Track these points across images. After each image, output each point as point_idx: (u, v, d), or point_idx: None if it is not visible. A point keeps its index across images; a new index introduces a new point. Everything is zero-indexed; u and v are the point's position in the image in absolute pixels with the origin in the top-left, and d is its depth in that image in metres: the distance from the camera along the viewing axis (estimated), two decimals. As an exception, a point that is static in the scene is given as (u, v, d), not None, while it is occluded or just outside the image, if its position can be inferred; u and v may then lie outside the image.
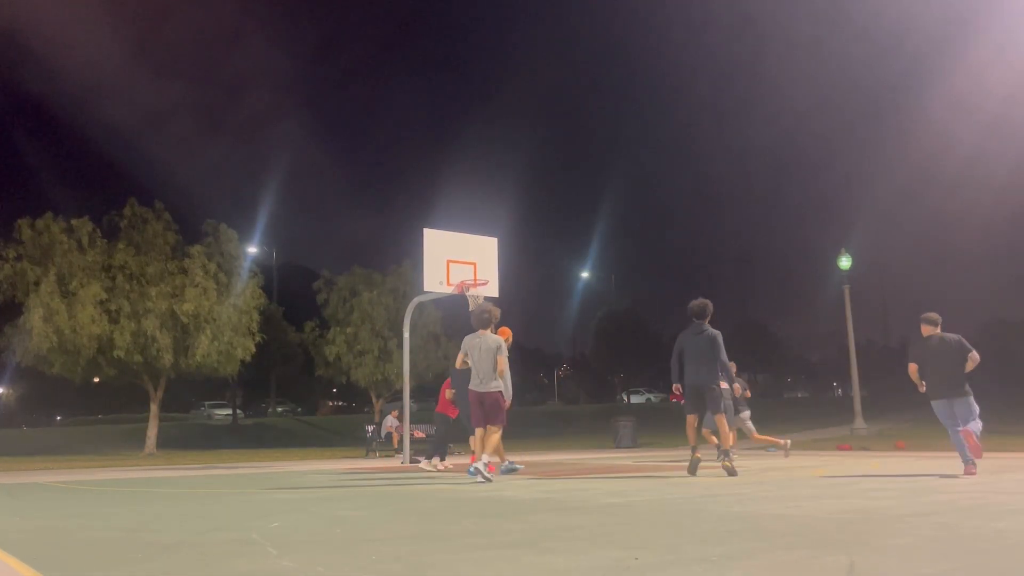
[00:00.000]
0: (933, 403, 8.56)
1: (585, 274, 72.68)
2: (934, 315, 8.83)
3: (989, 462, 10.66)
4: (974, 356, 8.37)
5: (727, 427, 8.93)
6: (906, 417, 32.49)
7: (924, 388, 8.57)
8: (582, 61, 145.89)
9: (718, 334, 8.81)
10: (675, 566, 3.15)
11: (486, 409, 8.46)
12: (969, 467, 8.12)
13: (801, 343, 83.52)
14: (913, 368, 8.57)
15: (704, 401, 8.79)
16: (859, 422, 22.67)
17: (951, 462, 10.86)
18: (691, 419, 8.86)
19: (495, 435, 8.48)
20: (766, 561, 3.22)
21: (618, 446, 20.54)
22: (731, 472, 8.37)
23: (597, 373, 69.95)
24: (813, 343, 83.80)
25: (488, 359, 8.43)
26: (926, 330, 8.73)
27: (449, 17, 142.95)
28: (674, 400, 11.49)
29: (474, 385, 8.48)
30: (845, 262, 23.25)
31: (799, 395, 77.96)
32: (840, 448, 16.16)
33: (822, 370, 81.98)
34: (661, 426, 29.93)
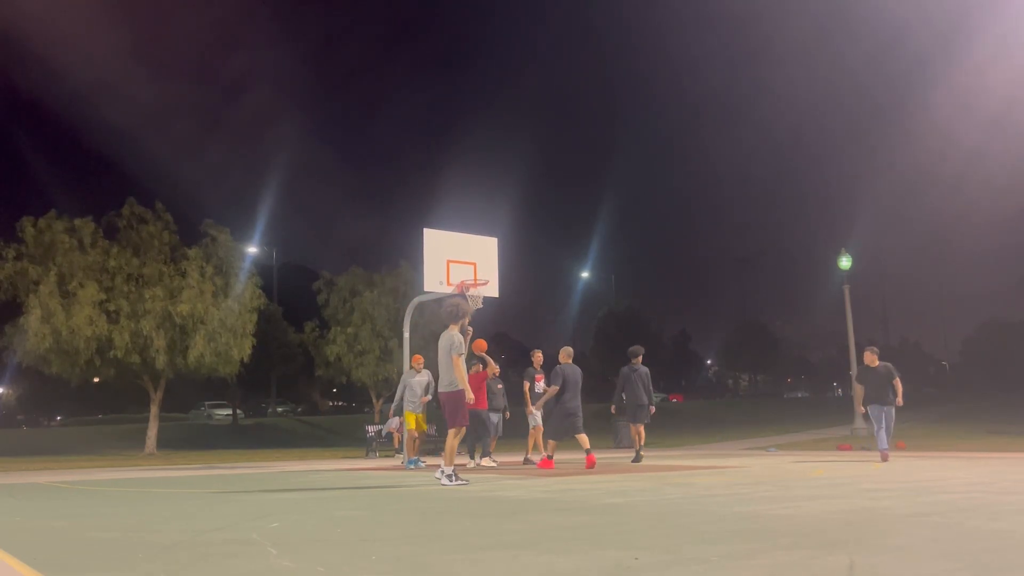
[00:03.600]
0: (871, 407, 11.67)
1: (585, 274, 72.67)
2: (877, 348, 12.21)
3: (989, 462, 10.66)
4: (898, 383, 11.66)
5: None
6: (906, 417, 32.46)
7: (862, 404, 12.04)
8: (583, 60, 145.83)
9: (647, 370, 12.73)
10: (675, 566, 3.15)
11: (445, 410, 8.10)
12: (885, 454, 11.37)
13: (801, 343, 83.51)
14: (860, 389, 11.75)
15: (642, 414, 12.47)
16: (859, 422, 22.59)
17: (951, 462, 10.87)
18: (637, 427, 12.55)
19: (453, 439, 8.04)
20: (766, 561, 3.22)
21: (618, 446, 20.53)
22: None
23: (597, 373, 69.96)
24: (813, 343, 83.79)
25: (444, 358, 8.02)
26: (871, 358, 11.84)
27: (449, 16, 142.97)
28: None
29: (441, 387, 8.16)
30: (845, 262, 23.22)
31: (799, 395, 77.96)
32: (840, 448, 16.15)
33: (822, 370, 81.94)
34: (661, 426, 29.92)
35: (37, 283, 23.10)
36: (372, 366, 31.58)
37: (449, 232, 13.38)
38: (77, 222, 24.41)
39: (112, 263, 24.33)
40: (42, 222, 23.95)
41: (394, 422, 21.02)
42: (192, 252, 25.50)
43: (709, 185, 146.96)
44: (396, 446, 19.92)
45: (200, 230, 26.80)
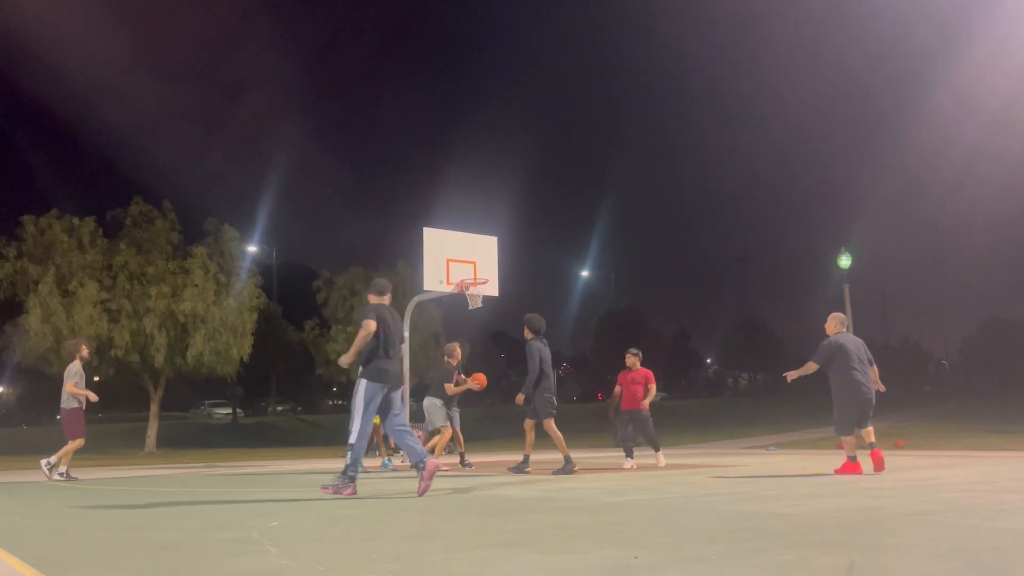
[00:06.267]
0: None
1: (585, 273, 72.76)
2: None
3: (988, 461, 10.65)
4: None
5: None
6: (906, 416, 32.49)
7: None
8: (583, 60, 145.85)
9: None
10: (675, 565, 3.15)
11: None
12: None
13: (801, 342, 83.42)
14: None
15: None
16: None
17: (951, 461, 10.87)
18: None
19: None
20: (766, 560, 3.22)
21: (618, 445, 20.52)
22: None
23: (597, 372, 69.98)
24: (813, 342, 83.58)
25: None
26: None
27: (449, 17, 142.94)
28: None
29: None
30: (845, 261, 23.20)
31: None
32: (840, 447, 16.15)
33: (823, 369, 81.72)
34: (661, 425, 29.90)
35: (37, 282, 23.11)
36: (373, 365, 31.59)
37: (449, 231, 13.38)
38: (76, 221, 24.42)
39: (119, 260, 24.36)
40: (43, 221, 23.97)
41: None
42: (197, 250, 25.51)
43: (709, 184, 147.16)
44: (392, 445, 19.94)
45: (204, 228, 26.85)
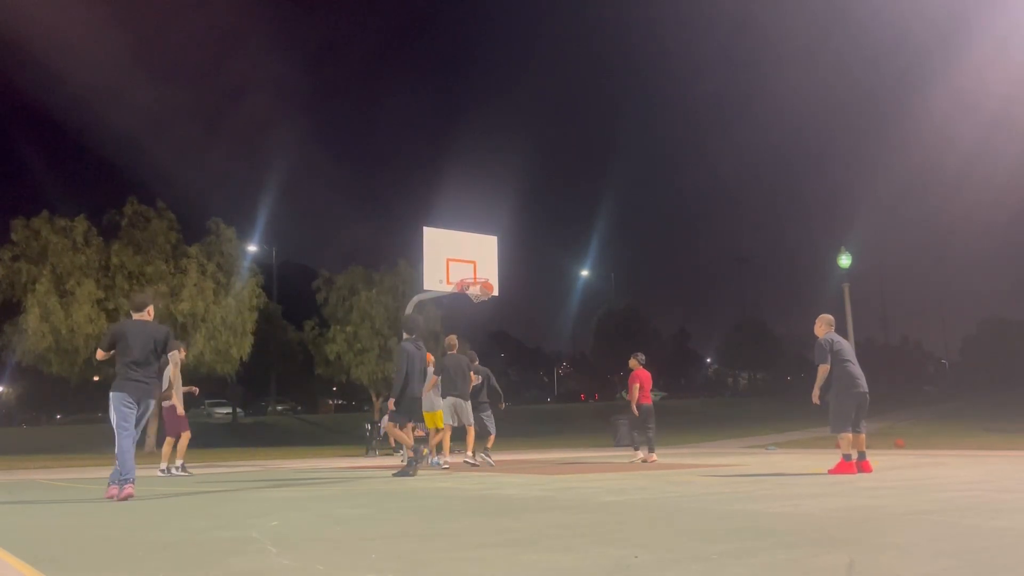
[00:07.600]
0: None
1: (585, 272, 72.77)
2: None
3: (988, 460, 10.64)
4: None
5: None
6: (906, 416, 32.50)
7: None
8: (583, 60, 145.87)
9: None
10: (675, 564, 3.15)
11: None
12: None
13: (801, 342, 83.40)
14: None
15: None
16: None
17: (950, 460, 10.87)
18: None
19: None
20: (766, 559, 3.22)
21: (617, 445, 20.53)
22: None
23: (597, 371, 70.00)
24: (813, 342, 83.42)
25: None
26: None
27: (449, 17, 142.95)
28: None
29: None
30: (845, 260, 23.19)
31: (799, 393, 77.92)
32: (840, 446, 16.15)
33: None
34: (661, 424, 29.87)
35: (33, 283, 23.11)
36: (372, 364, 31.59)
37: (449, 230, 13.38)
38: (65, 222, 24.41)
39: (115, 260, 24.36)
40: (35, 222, 23.97)
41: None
42: (192, 249, 25.52)
43: (709, 184, 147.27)
44: (392, 444, 19.95)
45: (205, 227, 26.91)
